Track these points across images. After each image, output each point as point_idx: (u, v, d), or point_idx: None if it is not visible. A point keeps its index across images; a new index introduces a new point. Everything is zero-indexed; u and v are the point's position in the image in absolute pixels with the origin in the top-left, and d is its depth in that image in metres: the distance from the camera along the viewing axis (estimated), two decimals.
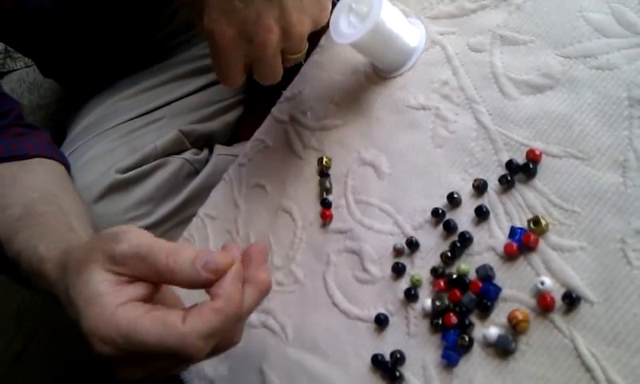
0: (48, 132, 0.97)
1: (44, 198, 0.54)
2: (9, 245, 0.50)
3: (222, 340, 0.37)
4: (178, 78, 0.83)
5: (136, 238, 0.37)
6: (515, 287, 0.38)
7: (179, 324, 0.34)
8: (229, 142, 0.89)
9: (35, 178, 0.58)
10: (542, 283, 0.36)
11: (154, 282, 0.37)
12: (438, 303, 0.40)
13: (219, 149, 0.81)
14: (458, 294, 0.39)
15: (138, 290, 0.37)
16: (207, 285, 0.36)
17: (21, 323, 1.78)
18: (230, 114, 0.87)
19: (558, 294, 0.36)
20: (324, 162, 0.52)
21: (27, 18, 0.70)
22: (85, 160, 0.70)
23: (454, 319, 0.39)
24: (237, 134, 0.92)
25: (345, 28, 0.49)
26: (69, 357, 1.63)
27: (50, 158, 0.62)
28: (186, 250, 0.36)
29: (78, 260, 0.39)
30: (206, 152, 0.80)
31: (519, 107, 0.43)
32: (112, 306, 0.35)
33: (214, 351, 0.38)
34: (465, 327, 0.38)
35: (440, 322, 0.39)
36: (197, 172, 0.76)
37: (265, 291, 0.38)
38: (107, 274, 0.36)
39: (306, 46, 0.49)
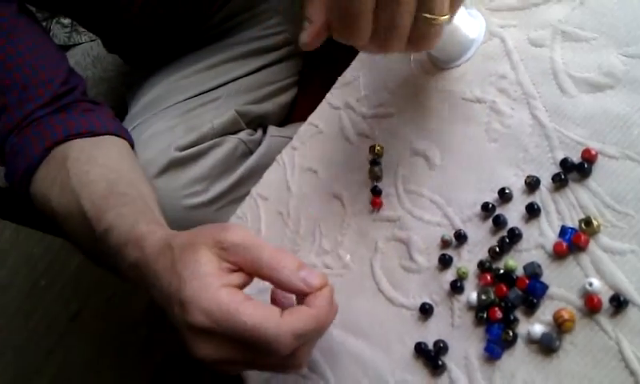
0: (110, 107, 1.02)
1: (122, 180, 0.58)
2: (97, 219, 0.52)
3: (293, 358, 0.41)
4: (235, 59, 0.85)
5: (243, 231, 0.42)
6: (563, 286, 0.38)
7: (278, 316, 0.38)
8: (282, 123, 0.91)
9: (109, 157, 0.61)
10: (590, 284, 0.36)
11: (252, 274, 0.41)
12: (483, 297, 0.40)
13: (273, 130, 0.83)
14: (504, 289, 0.40)
15: (238, 278, 0.41)
16: (298, 292, 0.41)
17: (77, 286, 1.87)
18: (284, 96, 0.89)
19: (605, 296, 0.36)
20: (376, 150, 0.53)
21: None
22: (146, 136, 0.74)
23: (498, 314, 0.39)
24: (290, 115, 0.94)
25: None
26: (120, 321, 1.71)
27: (117, 135, 0.65)
28: (289, 255, 0.42)
29: (185, 241, 0.43)
30: (259, 132, 0.82)
31: (577, 105, 0.42)
32: (216, 284, 0.39)
33: (283, 366, 0.42)
34: (509, 322, 0.39)
35: (485, 315, 0.40)
36: (251, 152, 0.78)
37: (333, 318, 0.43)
38: (214, 256, 0.41)
39: (447, 8, 0.39)
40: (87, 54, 1.15)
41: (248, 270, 0.41)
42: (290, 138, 0.64)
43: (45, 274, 2.01)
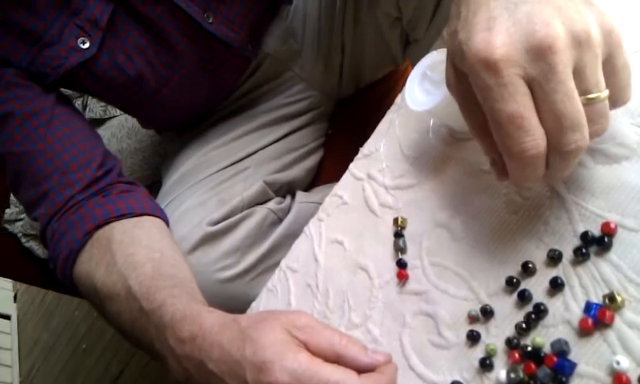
0: (145, 175, 1.05)
1: (166, 260, 0.61)
2: (147, 298, 0.55)
3: None
4: (262, 127, 0.89)
5: (309, 315, 0.47)
6: (591, 364, 0.38)
7: (357, 377, 0.42)
8: (310, 185, 0.93)
9: (150, 238, 0.64)
10: (618, 363, 0.36)
11: (318, 353, 0.44)
12: (512, 375, 0.40)
13: (300, 196, 0.85)
14: (532, 367, 0.40)
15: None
16: (366, 367, 0.44)
17: (117, 348, 1.91)
18: (311, 160, 0.91)
19: (634, 374, 0.35)
20: (399, 222, 0.54)
21: (127, 83, 0.76)
22: (180, 212, 0.77)
23: None
24: (317, 176, 0.96)
25: (419, 95, 0.51)
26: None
27: (154, 215, 0.68)
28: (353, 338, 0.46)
29: (254, 317, 0.47)
30: (288, 199, 0.85)
31: (594, 177, 0.43)
32: (295, 347, 0.43)
33: None
34: None
35: None
36: (280, 220, 0.80)
37: None
38: (287, 333, 0.44)
39: (602, 82, 0.36)
40: (122, 126, 1.21)
41: (316, 348, 0.44)
42: (318, 204, 0.65)
43: (86, 337, 2.06)
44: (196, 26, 0.74)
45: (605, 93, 0.36)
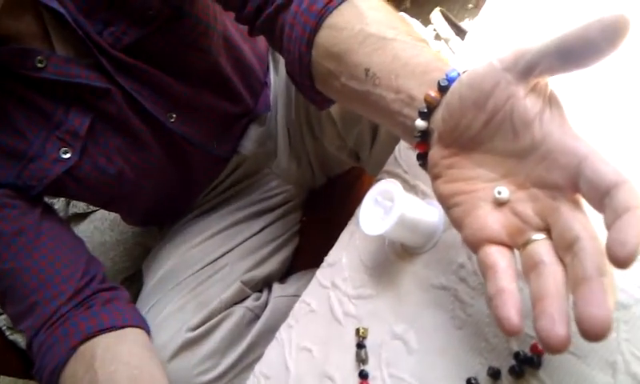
0: (125, 267, 1.08)
1: (143, 377, 0.65)
2: None
3: None
4: (238, 223, 0.94)
5: None
6: None
7: None
8: (287, 273, 0.98)
9: (130, 353, 0.68)
10: None
11: None
12: None
13: (276, 290, 0.89)
14: None
15: None
16: None
17: None
18: (285, 250, 0.96)
19: None
20: (360, 333, 0.59)
21: (109, 181, 0.80)
22: (160, 319, 0.81)
23: None
24: (294, 261, 1.01)
25: (373, 219, 0.56)
26: None
27: (136, 326, 0.72)
28: None
29: None
30: (265, 293, 0.89)
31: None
32: None
33: None
34: None
35: None
36: (257, 317, 0.84)
37: None
38: None
39: None
40: (105, 219, 1.25)
41: None
42: (293, 296, 0.70)
43: None
44: (161, 125, 0.79)
45: None
